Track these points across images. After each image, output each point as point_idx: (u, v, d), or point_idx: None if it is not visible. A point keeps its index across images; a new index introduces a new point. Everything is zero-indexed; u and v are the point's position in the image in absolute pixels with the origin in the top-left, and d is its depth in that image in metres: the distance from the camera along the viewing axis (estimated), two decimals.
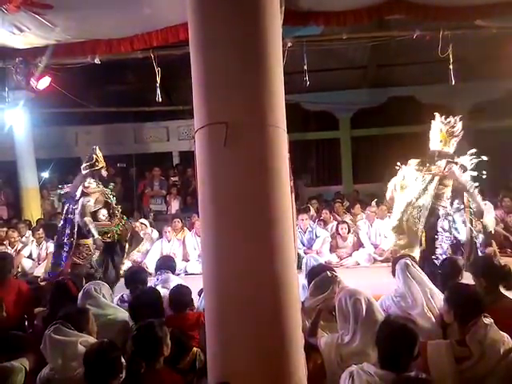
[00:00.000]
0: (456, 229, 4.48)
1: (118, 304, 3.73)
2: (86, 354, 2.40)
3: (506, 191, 8.20)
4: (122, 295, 3.96)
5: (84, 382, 2.38)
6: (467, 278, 3.35)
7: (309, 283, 3.45)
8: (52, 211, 9.98)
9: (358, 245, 6.90)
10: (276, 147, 2.26)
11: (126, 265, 6.31)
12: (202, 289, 3.26)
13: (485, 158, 4.47)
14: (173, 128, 11.98)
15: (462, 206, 4.48)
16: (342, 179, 11.99)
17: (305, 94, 10.09)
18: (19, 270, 6.81)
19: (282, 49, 2.46)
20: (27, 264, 6.93)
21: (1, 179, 9.98)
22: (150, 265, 6.27)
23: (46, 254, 6.90)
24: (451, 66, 6.32)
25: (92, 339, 2.77)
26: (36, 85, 6.14)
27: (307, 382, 2.41)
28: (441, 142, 4.43)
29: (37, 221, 8.52)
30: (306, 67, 6.56)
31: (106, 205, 5.18)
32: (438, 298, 3.09)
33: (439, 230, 4.45)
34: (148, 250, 6.99)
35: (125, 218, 5.44)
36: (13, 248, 6.90)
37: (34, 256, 7.11)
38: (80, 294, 3.49)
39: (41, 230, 7.32)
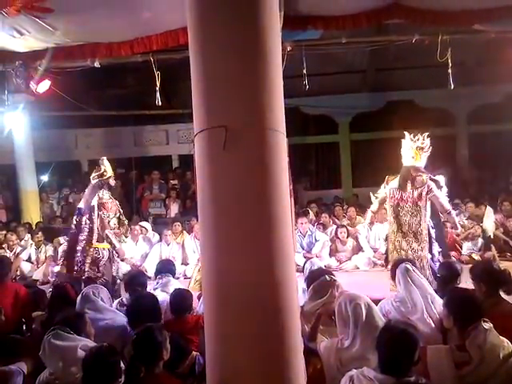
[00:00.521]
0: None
1: (117, 308, 3.72)
2: (85, 358, 2.40)
3: (506, 195, 8.20)
4: (121, 299, 3.96)
5: None
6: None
7: (308, 287, 3.45)
8: (51, 214, 9.98)
9: (358, 249, 6.90)
10: (275, 151, 2.26)
11: (125, 268, 6.33)
12: (201, 292, 3.26)
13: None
14: (172, 131, 12.00)
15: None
16: (342, 183, 12.00)
17: (304, 97, 10.12)
18: (18, 273, 6.80)
19: (282, 53, 2.46)
20: (26, 267, 6.92)
21: (0, 182, 9.97)
22: (150, 268, 6.26)
23: (45, 258, 6.90)
24: (450, 70, 6.33)
25: (91, 343, 2.76)
26: (36, 88, 6.14)
27: None
28: (412, 157, 4.79)
29: (36, 224, 8.52)
30: (305, 71, 6.58)
31: (117, 215, 5.33)
32: (439, 303, 3.09)
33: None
34: (147, 254, 6.98)
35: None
36: (11, 251, 6.89)
37: (32, 259, 7.09)
38: (79, 298, 3.48)
39: (40, 233, 7.32)
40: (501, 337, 2.48)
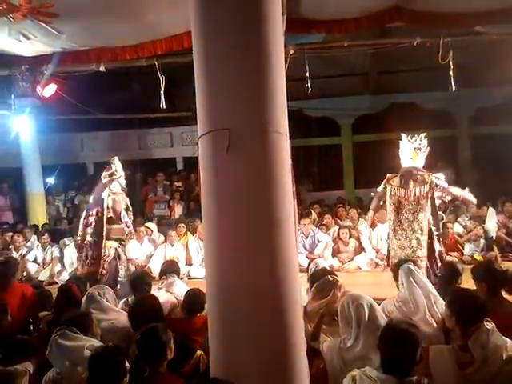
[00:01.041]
0: None
1: (122, 308, 3.75)
2: (91, 358, 2.42)
3: (507, 196, 8.18)
4: (126, 299, 3.98)
5: None
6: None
7: (311, 287, 3.47)
8: (57, 216, 10.05)
9: (360, 249, 6.91)
10: (278, 153, 2.28)
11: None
12: None
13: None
14: (176, 134, 12.05)
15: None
16: (344, 184, 12.01)
17: (307, 100, 10.14)
18: (24, 274, 6.85)
19: (285, 56, 2.49)
20: (32, 268, 6.98)
21: (7, 184, 10.05)
22: (154, 269, 6.30)
23: (51, 259, 6.95)
24: (452, 73, 6.34)
25: (98, 343, 2.78)
26: (42, 92, 6.20)
27: None
28: (411, 158, 4.91)
29: (42, 226, 8.58)
30: (308, 74, 6.60)
31: (127, 209, 5.55)
32: (441, 303, 3.09)
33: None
34: (152, 255, 7.03)
35: None
36: (18, 252, 6.95)
37: (38, 260, 7.15)
38: (84, 298, 3.51)
39: (46, 234, 7.38)
40: (504, 337, 2.48)
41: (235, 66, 2.25)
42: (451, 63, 6.17)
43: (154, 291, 4.09)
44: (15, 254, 6.78)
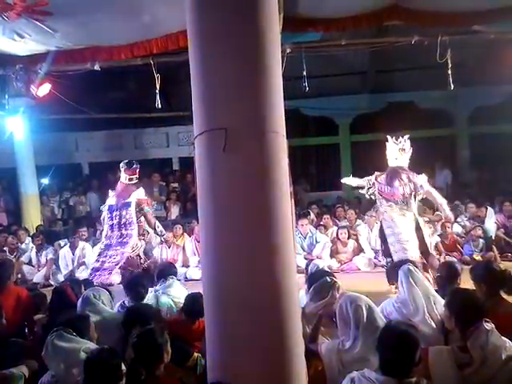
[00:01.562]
0: None
1: (118, 310, 3.72)
2: (86, 361, 2.39)
3: (506, 196, 8.19)
4: (123, 301, 3.94)
5: None
6: None
7: (309, 288, 3.45)
8: (52, 218, 9.99)
9: (359, 250, 6.89)
10: (275, 153, 2.26)
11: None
12: None
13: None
14: (172, 134, 12.03)
15: None
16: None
17: (304, 99, 10.14)
18: (19, 276, 6.79)
19: (281, 55, 2.47)
20: (27, 271, 6.92)
21: (0, 186, 9.98)
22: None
23: (46, 261, 6.90)
24: (450, 72, 6.34)
25: (94, 346, 2.75)
26: (36, 92, 6.16)
27: None
28: (396, 159, 5.23)
29: (36, 227, 8.52)
30: (305, 73, 6.59)
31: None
32: (441, 304, 3.07)
33: None
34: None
35: None
36: (12, 254, 6.89)
37: (33, 263, 7.10)
38: (79, 301, 3.48)
39: (40, 236, 7.32)
40: (503, 338, 2.47)
41: (231, 65, 2.23)
42: (449, 62, 6.17)
43: (150, 293, 4.06)
44: (10, 256, 6.71)
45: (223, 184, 2.22)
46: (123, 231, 5.29)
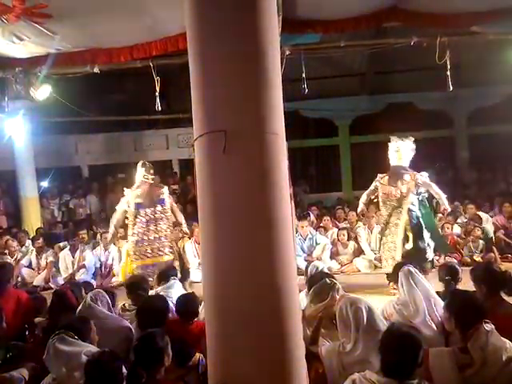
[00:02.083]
0: None
1: (119, 314, 3.71)
2: (87, 364, 2.39)
3: (505, 197, 8.19)
4: (123, 304, 3.95)
5: None
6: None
7: (309, 290, 3.45)
8: (52, 220, 9.99)
9: (359, 251, 6.89)
10: (275, 154, 2.26)
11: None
12: None
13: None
14: (172, 136, 12.03)
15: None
16: (342, 186, 12.00)
17: (304, 101, 10.11)
18: (19, 279, 6.79)
19: (281, 56, 2.47)
20: (27, 273, 6.91)
21: (0, 188, 9.98)
22: None
23: (46, 264, 6.89)
24: (449, 73, 6.34)
25: (95, 349, 2.75)
26: (36, 94, 6.15)
27: None
28: (399, 159, 5.37)
29: (36, 230, 8.51)
30: (304, 75, 6.59)
31: None
32: (441, 305, 3.07)
33: None
34: None
35: None
36: (12, 257, 6.88)
37: (33, 265, 7.08)
38: (81, 304, 3.47)
39: (41, 239, 7.31)
40: (503, 338, 2.47)
41: (231, 67, 2.23)
42: (448, 63, 6.16)
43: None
44: (10, 259, 6.70)
45: (223, 186, 2.21)
46: (158, 227, 5.60)
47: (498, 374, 2.36)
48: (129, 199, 5.67)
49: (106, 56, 5.32)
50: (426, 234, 5.21)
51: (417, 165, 5.55)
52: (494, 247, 6.55)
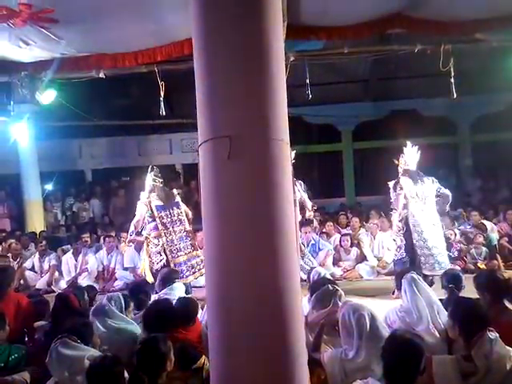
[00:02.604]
0: None
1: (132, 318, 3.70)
2: (90, 368, 2.39)
3: (509, 204, 8.16)
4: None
5: None
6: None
7: (311, 296, 3.43)
8: (55, 224, 10.01)
9: (361, 258, 6.86)
10: (280, 160, 2.26)
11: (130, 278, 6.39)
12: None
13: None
14: (176, 141, 12.06)
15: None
16: (345, 192, 11.99)
17: (307, 107, 10.16)
18: (21, 282, 6.79)
19: (285, 63, 2.48)
20: (30, 277, 6.92)
21: (4, 192, 10.01)
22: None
23: (49, 267, 6.89)
24: (452, 80, 6.35)
25: (97, 353, 2.75)
26: (41, 98, 6.19)
27: None
28: (413, 163, 5.47)
29: (39, 233, 8.53)
30: (308, 81, 6.61)
31: None
32: (444, 313, 3.06)
33: None
34: None
35: None
36: (16, 260, 6.90)
37: (36, 268, 7.09)
38: (94, 306, 3.51)
39: (44, 242, 7.32)
40: (507, 347, 2.45)
41: (236, 73, 2.24)
42: (452, 70, 6.17)
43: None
44: (13, 262, 6.71)
45: (227, 191, 2.22)
46: (175, 228, 5.63)
47: (502, 382, 2.34)
48: (146, 202, 5.65)
49: (111, 61, 5.35)
50: None
51: (420, 171, 5.55)
52: (497, 254, 6.52)
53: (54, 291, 6.31)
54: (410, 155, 5.44)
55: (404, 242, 5.26)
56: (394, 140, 10.41)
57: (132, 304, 3.68)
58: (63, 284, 6.62)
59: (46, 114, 8.47)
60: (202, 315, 3.64)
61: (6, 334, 3.31)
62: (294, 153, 5.43)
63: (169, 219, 5.59)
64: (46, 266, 6.97)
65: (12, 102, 7.13)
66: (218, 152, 2.21)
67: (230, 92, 2.25)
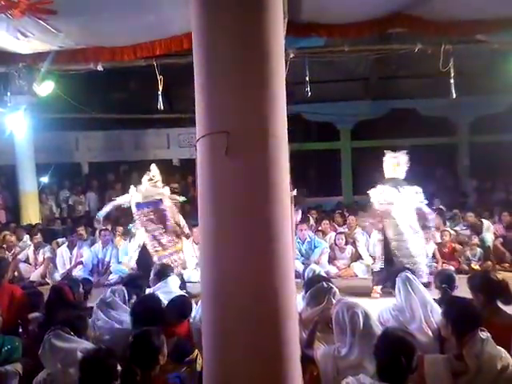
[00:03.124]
0: None
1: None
2: (82, 360, 2.39)
3: (504, 206, 8.20)
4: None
5: None
6: None
7: (305, 294, 3.44)
8: (50, 216, 9.98)
9: (356, 256, 6.88)
10: (277, 157, 2.26)
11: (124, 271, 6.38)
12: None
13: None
14: (173, 135, 12.04)
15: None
16: (342, 190, 12.01)
17: (306, 104, 10.16)
18: (16, 274, 6.78)
19: (285, 59, 2.47)
20: (24, 269, 6.90)
21: (0, 183, 9.97)
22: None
23: (43, 259, 6.87)
24: (452, 80, 6.36)
25: (90, 345, 2.75)
26: (38, 90, 6.16)
27: None
28: (393, 171, 5.47)
29: (34, 225, 8.50)
30: (307, 78, 6.60)
31: None
32: (438, 312, 3.07)
33: None
34: None
35: None
36: (10, 252, 6.87)
37: (30, 261, 7.07)
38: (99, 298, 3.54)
39: (39, 234, 7.30)
40: (498, 347, 2.47)
41: (235, 69, 2.23)
42: (452, 70, 6.18)
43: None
44: (7, 254, 6.69)
45: (224, 187, 2.21)
46: (163, 224, 5.82)
47: (493, 383, 2.36)
48: (131, 197, 5.78)
49: (109, 54, 5.34)
50: None
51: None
52: (491, 256, 6.55)
53: (48, 283, 6.31)
54: (389, 163, 5.45)
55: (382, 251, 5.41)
56: (392, 139, 10.45)
57: (135, 297, 3.71)
58: (57, 276, 6.60)
59: (43, 106, 8.43)
60: (196, 310, 3.65)
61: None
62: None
63: (150, 216, 5.72)
64: (40, 258, 6.94)
65: (9, 93, 7.10)
66: (215, 147, 2.20)
67: (228, 88, 2.24)
